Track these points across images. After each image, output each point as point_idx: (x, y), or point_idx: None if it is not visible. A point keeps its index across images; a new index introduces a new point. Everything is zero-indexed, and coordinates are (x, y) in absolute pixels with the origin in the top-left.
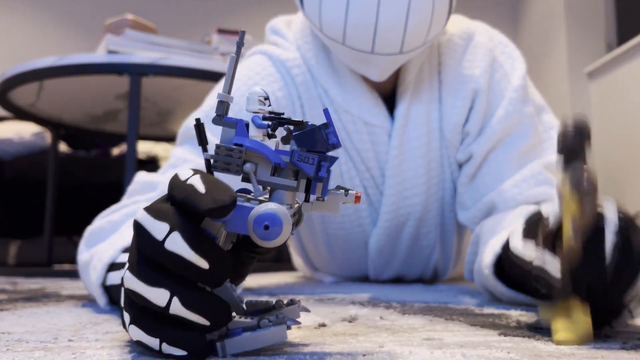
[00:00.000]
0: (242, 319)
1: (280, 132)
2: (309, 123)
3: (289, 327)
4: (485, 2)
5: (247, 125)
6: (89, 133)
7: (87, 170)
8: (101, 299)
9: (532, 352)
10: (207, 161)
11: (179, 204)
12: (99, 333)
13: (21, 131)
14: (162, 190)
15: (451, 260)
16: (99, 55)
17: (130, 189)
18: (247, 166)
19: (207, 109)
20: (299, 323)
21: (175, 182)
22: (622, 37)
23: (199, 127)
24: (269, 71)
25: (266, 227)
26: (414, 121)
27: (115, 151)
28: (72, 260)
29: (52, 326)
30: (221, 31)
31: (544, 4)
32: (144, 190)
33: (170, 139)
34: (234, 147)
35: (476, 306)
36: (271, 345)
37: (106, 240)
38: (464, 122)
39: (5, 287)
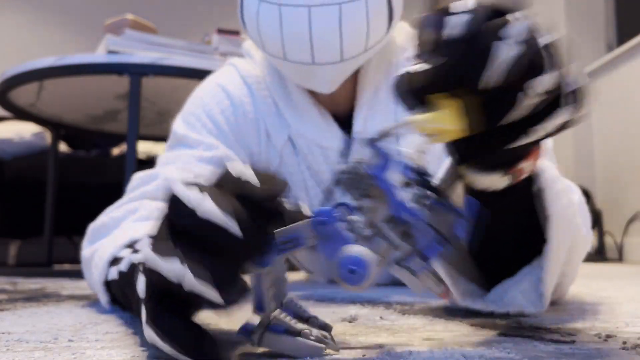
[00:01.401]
0: (288, 319)
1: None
2: (450, 201)
3: (324, 350)
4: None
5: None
6: (89, 133)
7: (87, 170)
8: (103, 297)
9: (532, 352)
10: (338, 177)
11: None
12: (99, 333)
13: (21, 131)
14: (166, 177)
15: None
16: (99, 55)
17: (131, 185)
18: (367, 202)
19: (186, 116)
20: (336, 351)
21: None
22: (622, 37)
23: (373, 141)
24: (237, 80)
25: (351, 272)
26: None
27: (115, 151)
28: (72, 260)
29: (52, 326)
30: (221, 31)
31: (544, 4)
32: (144, 182)
33: None
34: (369, 175)
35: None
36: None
37: (108, 236)
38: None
39: (5, 287)
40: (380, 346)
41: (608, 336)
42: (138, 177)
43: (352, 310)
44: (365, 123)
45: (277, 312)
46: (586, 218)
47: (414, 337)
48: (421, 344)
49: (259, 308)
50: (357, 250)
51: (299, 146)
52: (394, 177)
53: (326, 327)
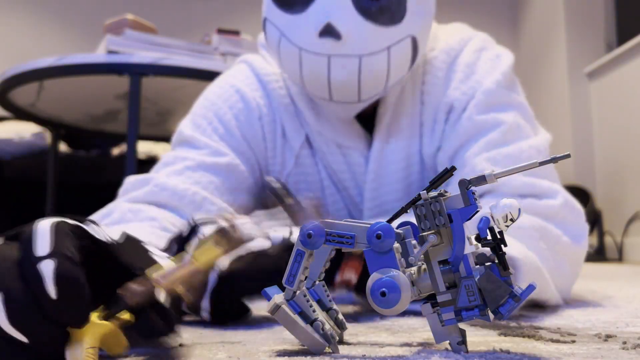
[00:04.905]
0: (309, 303)
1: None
2: (510, 279)
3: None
4: (485, 2)
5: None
6: (89, 133)
7: (87, 170)
8: None
9: (532, 352)
10: (418, 199)
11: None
12: None
13: (21, 131)
14: (156, 183)
15: None
16: (99, 55)
17: (122, 189)
18: (432, 237)
19: (195, 118)
20: (336, 351)
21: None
22: (622, 37)
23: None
24: (252, 80)
25: (383, 294)
26: (393, 145)
27: (115, 151)
28: None
29: None
30: (221, 31)
31: (543, 4)
32: (135, 187)
33: (170, 139)
34: (448, 214)
35: None
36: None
37: None
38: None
39: None
40: (380, 346)
41: (608, 336)
42: (129, 181)
43: (352, 310)
44: (387, 132)
45: (303, 290)
46: (572, 222)
47: (414, 337)
48: (421, 344)
49: (287, 282)
50: (396, 275)
51: (318, 145)
52: (470, 227)
53: (341, 325)
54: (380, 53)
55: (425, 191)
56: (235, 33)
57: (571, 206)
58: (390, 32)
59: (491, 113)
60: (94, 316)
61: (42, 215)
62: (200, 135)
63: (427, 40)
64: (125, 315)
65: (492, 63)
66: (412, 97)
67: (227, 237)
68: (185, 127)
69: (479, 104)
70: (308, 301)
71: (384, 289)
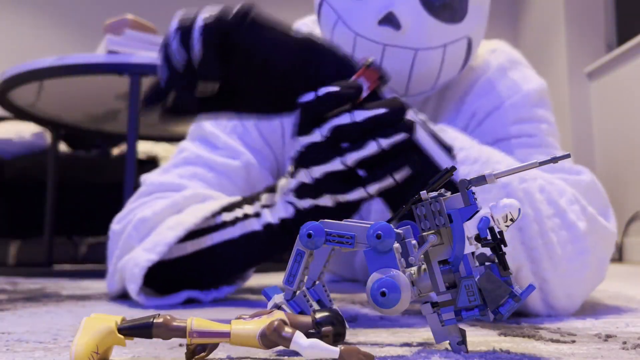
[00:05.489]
0: (309, 304)
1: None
2: (511, 278)
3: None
4: None
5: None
6: (89, 133)
7: (87, 170)
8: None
9: (532, 352)
10: (418, 200)
11: None
12: None
13: (21, 131)
14: (187, 193)
15: None
16: (99, 55)
17: (144, 190)
18: (432, 237)
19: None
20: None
21: None
22: (622, 37)
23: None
24: None
25: (383, 294)
26: None
27: (115, 151)
28: (72, 260)
29: (52, 326)
30: None
31: (544, 4)
32: (167, 190)
33: (170, 139)
34: (448, 215)
35: None
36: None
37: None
38: None
39: (5, 287)
40: (380, 346)
41: (608, 336)
42: (152, 182)
43: (352, 310)
44: None
45: (303, 290)
46: (600, 203)
47: (414, 337)
48: (421, 344)
49: (288, 282)
50: (396, 275)
51: None
52: (470, 227)
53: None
54: (436, 49)
55: (425, 191)
56: None
57: (598, 186)
58: (450, 30)
59: (517, 125)
60: (115, 324)
61: (42, 215)
62: (222, 132)
63: (478, 47)
64: None
65: (518, 81)
66: (434, 106)
67: None
68: (207, 122)
69: (505, 115)
70: (308, 301)
71: (384, 289)
